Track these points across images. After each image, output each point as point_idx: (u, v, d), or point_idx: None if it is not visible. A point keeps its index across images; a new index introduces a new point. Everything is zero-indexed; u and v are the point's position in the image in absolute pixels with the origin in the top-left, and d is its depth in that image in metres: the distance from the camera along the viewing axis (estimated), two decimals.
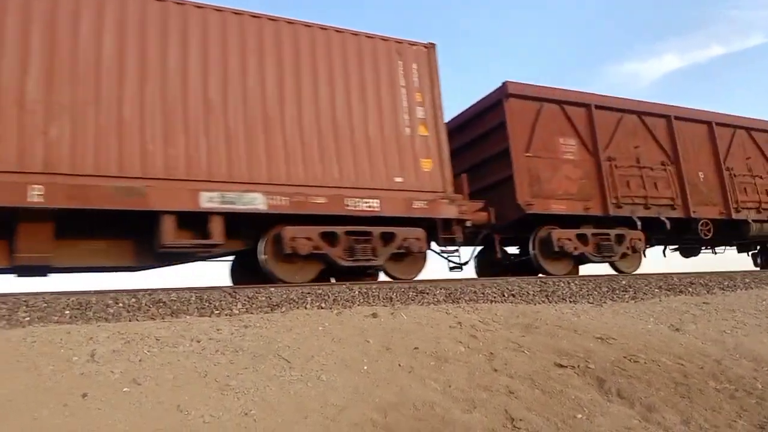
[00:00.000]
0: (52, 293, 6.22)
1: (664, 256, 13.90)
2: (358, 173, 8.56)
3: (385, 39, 9.30)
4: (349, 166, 8.51)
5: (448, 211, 9.09)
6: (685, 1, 58.52)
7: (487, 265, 11.66)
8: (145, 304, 6.07)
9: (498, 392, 4.50)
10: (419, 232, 8.72)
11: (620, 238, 10.80)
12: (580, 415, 4.23)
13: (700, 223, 11.89)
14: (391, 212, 8.53)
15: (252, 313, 6.07)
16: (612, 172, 11.02)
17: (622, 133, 11.48)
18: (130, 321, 5.64)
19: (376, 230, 8.41)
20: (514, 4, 58.96)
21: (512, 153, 10.20)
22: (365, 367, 4.61)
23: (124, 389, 3.88)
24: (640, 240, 11.00)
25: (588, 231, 10.51)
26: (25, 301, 5.68)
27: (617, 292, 8.46)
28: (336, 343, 4.99)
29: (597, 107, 11.23)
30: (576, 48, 63.19)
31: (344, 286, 7.20)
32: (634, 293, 8.46)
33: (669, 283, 9.21)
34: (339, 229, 8.14)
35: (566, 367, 5.06)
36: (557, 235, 10.13)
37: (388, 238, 8.51)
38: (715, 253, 14.44)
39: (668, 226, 11.24)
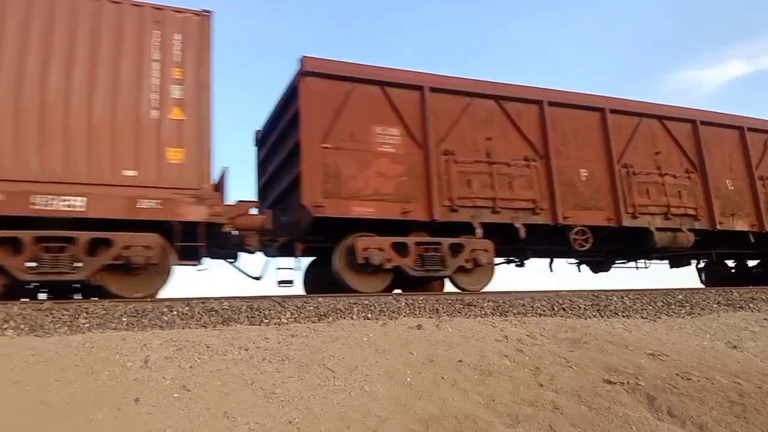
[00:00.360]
0: (111, 301, 6.50)
1: (551, 270, 11.72)
2: (68, 165, 7.03)
3: (137, 4, 7.72)
4: (55, 157, 7.00)
5: (193, 212, 7.40)
6: (752, 4, 56.31)
7: (314, 279, 9.97)
8: (198, 313, 6.28)
9: (543, 408, 4.44)
10: (150, 238, 7.18)
11: (457, 249, 8.92)
12: None
13: (574, 231, 9.81)
14: (101, 213, 7.02)
15: (300, 322, 6.20)
16: (448, 169, 9.12)
17: (469, 121, 9.52)
18: (182, 328, 5.84)
19: (83, 236, 6.92)
20: (570, 12, 58.13)
21: (303, 143, 8.42)
22: (408, 379, 4.64)
23: (175, 395, 4.02)
24: (486, 251, 9.00)
25: (410, 239, 8.67)
26: (85, 308, 5.97)
27: (673, 307, 8.23)
28: (380, 354, 5.04)
29: (433, 90, 9.29)
30: (634, 56, 61.71)
31: (391, 297, 7.25)
32: (691, 308, 8.21)
33: (728, 298, 8.88)
34: (25, 235, 6.70)
35: (615, 383, 4.95)
36: (362, 244, 8.30)
37: (102, 245, 7.05)
38: (638, 268, 12.50)
39: (522, 234, 9.28)
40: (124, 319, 5.89)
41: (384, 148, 8.85)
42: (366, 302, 6.86)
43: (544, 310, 7.56)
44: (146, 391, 4.02)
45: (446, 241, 8.82)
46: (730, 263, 13.69)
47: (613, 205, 10.26)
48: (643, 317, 7.67)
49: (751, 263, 13.44)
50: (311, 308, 6.57)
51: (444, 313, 6.93)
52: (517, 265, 11.23)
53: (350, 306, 6.68)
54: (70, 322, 5.69)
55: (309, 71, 8.61)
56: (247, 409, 3.94)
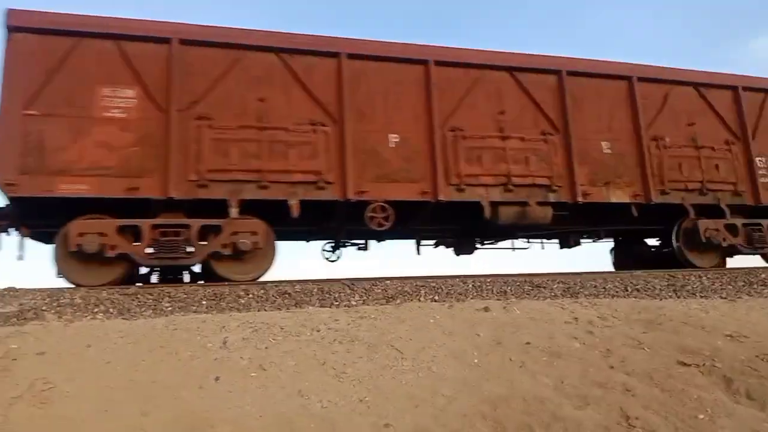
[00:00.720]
0: (191, 285, 6.86)
1: (418, 253, 10.43)
2: None
3: None
4: None
5: None
6: None
7: None
8: (272, 296, 6.55)
9: (613, 390, 4.39)
10: None
11: (216, 232, 7.56)
12: (701, 416, 4.04)
13: (371, 207, 8.21)
14: None
15: (368, 304, 6.35)
16: (199, 137, 7.65)
17: (238, 80, 8.02)
18: (258, 311, 6.10)
19: None
20: None
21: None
22: (475, 360, 4.68)
23: (252, 374, 4.24)
24: (253, 234, 7.59)
25: (145, 222, 7.33)
26: (168, 292, 6.33)
27: (755, 286, 7.89)
28: (447, 336, 5.11)
29: (185, 43, 7.84)
30: (717, 22, 58.26)
31: (458, 279, 7.30)
32: None
33: None
34: None
35: (690, 365, 4.82)
36: (77, 229, 7.05)
37: None
38: (514, 249, 10.79)
39: (295, 212, 7.75)
40: (204, 302, 6.20)
41: (112, 113, 7.45)
42: (433, 285, 6.96)
43: (616, 291, 7.42)
44: (225, 371, 4.25)
45: (197, 223, 7.47)
46: (653, 242, 11.79)
47: (431, 175, 8.56)
48: (722, 297, 7.39)
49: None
50: (379, 291, 6.72)
51: (512, 294, 6.91)
52: (359, 248, 10.08)
53: (417, 288, 6.79)
54: (154, 305, 6.05)
55: (16, 26, 7.35)
56: (319, 388, 4.10)
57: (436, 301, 6.51)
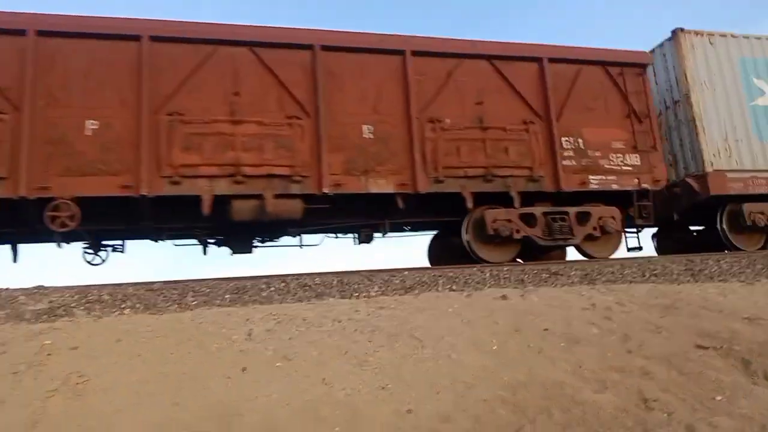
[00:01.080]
0: (214, 279, 7.01)
1: (204, 253, 9.07)
2: None
3: None
4: None
5: None
6: None
7: None
8: (293, 288, 6.66)
9: (631, 374, 4.46)
10: None
11: None
12: (719, 397, 4.09)
13: (50, 206, 7.15)
14: None
15: (387, 295, 6.44)
16: None
17: None
18: (280, 303, 6.21)
19: None
20: None
21: None
22: (494, 348, 4.77)
23: (277, 364, 4.36)
24: None
25: None
26: (192, 287, 6.47)
27: None
28: (465, 324, 5.20)
29: None
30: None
31: (475, 268, 7.37)
32: None
33: None
34: None
35: (708, 348, 4.87)
36: None
37: None
38: (302, 246, 9.25)
39: None
40: (227, 296, 6.33)
41: None
42: (450, 274, 7.03)
43: (634, 277, 7.44)
44: (251, 362, 4.38)
45: None
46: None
47: (135, 167, 7.49)
48: (740, 281, 7.38)
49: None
50: (398, 281, 6.80)
51: (529, 282, 6.97)
52: (114, 250, 8.81)
53: (435, 278, 6.86)
54: (179, 300, 6.18)
55: None
56: (342, 377, 4.22)
57: (453, 290, 6.59)
